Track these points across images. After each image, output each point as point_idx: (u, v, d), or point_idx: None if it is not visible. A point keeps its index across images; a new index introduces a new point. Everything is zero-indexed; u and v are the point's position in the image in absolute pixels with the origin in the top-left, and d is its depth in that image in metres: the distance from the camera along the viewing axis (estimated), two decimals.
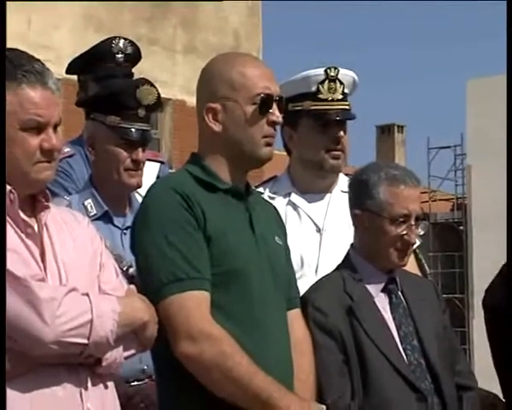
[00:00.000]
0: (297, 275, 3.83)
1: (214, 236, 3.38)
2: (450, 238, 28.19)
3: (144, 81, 4.39)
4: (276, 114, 3.49)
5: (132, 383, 3.85)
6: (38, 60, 3.16)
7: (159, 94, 4.38)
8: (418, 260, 4.51)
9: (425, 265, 4.61)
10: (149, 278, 3.36)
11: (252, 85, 3.46)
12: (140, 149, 4.23)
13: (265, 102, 3.45)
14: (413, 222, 3.78)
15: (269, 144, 3.49)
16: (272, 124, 3.49)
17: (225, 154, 3.50)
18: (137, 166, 4.22)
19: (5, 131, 3.04)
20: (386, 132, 35.11)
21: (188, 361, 3.31)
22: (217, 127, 3.47)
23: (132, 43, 4.93)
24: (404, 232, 3.77)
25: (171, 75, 14.48)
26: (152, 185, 3.59)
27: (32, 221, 3.14)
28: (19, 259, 3.01)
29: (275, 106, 3.49)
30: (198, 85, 3.56)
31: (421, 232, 3.87)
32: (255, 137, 3.46)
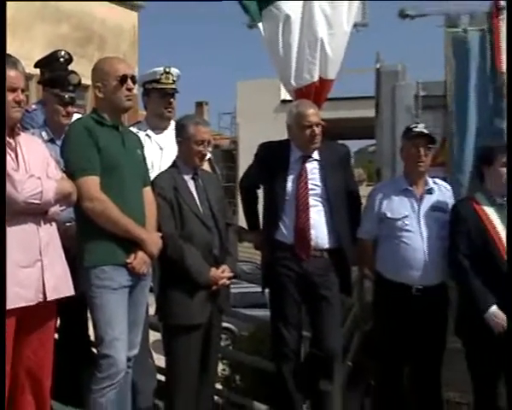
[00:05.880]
0: (150, 171, 3.72)
1: (102, 148, 3.27)
2: (229, 157, 28.52)
3: (72, 72, 4.23)
4: (130, 84, 3.36)
5: (66, 224, 3.69)
6: (13, 57, 3.06)
7: (80, 79, 4.19)
8: (212, 165, 4.44)
9: (216, 168, 4.58)
10: (70, 170, 3.25)
11: (115, 71, 3.34)
12: (70, 106, 4.05)
13: (123, 79, 3.33)
14: (207, 144, 3.70)
15: (129, 100, 3.37)
16: (128, 89, 3.36)
17: (107, 107, 3.37)
18: (68, 115, 4.04)
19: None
20: (199, 106, 34.55)
21: (88, 212, 3.23)
22: (100, 95, 3.36)
23: (69, 54, 4.67)
24: (202, 149, 3.71)
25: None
26: (71, 123, 3.49)
27: (12, 141, 3.00)
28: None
29: (129, 81, 3.36)
30: (92, 74, 3.42)
31: (210, 149, 3.85)
32: (120, 97, 3.35)
